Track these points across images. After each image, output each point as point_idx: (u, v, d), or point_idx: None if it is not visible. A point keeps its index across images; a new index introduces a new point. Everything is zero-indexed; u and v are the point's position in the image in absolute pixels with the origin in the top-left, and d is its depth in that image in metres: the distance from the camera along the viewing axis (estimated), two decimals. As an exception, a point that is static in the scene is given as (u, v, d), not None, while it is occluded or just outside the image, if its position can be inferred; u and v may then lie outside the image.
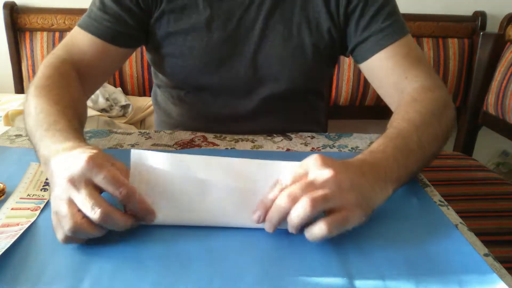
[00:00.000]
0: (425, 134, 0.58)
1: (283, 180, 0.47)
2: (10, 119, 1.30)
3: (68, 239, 0.44)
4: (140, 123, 1.50)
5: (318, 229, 0.44)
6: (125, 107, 1.47)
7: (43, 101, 0.60)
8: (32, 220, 0.50)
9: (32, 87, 0.63)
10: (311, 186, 0.45)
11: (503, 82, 1.48)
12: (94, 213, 0.42)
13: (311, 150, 0.73)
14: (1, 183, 0.55)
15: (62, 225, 0.43)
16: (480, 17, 1.64)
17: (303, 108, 0.87)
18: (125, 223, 0.45)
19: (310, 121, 0.91)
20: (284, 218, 0.46)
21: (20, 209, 0.52)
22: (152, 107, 1.47)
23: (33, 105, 0.60)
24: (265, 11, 0.75)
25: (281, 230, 0.48)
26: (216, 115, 0.83)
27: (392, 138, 0.56)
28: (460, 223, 0.53)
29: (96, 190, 0.44)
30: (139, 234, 0.48)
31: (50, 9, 1.57)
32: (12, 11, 1.55)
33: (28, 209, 0.52)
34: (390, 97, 0.73)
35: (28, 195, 0.55)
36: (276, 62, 0.76)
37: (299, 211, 0.44)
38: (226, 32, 0.75)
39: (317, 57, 0.77)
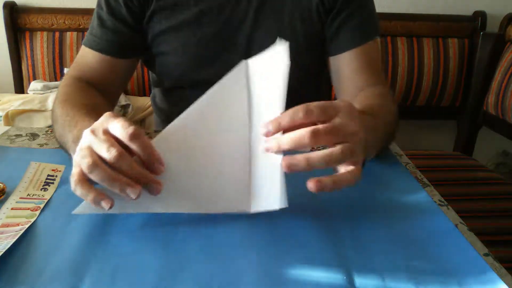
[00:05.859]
0: (383, 123, 0.62)
1: (311, 106, 0.45)
2: (10, 119, 1.30)
3: (82, 181, 0.45)
4: (140, 123, 1.50)
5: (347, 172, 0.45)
6: (125, 107, 1.47)
7: (68, 108, 0.64)
8: (32, 220, 0.50)
9: (56, 102, 0.69)
10: (335, 132, 0.45)
11: (503, 82, 1.48)
12: (109, 153, 0.45)
13: (310, 150, 0.72)
14: (1, 183, 0.55)
15: (82, 165, 0.45)
16: (480, 17, 1.64)
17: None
18: (135, 169, 0.45)
19: None
20: (296, 147, 0.44)
21: (20, 209, 0.52)
22: (152, 107, 1.47)
23: (59, 113, 0.65)
24: (255, 2, 0.76)
25: (279, 226, 0.48)
26: None
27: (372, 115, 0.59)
28: (460, 223, 0.53)
29: (112, 137, 0.46)
30: (138, 234, 0.48)
31: (50, 9, 1.57)
32: (12, 11, 1.55)
33: (28, 209, 0.52)
34: (347, 94, 0.76)
35: (28, 195, 0.55)
36: None
37: (325, 155, 0.44)
38: (217, 26, 0.76)
39: (310, 45, 0.79)
